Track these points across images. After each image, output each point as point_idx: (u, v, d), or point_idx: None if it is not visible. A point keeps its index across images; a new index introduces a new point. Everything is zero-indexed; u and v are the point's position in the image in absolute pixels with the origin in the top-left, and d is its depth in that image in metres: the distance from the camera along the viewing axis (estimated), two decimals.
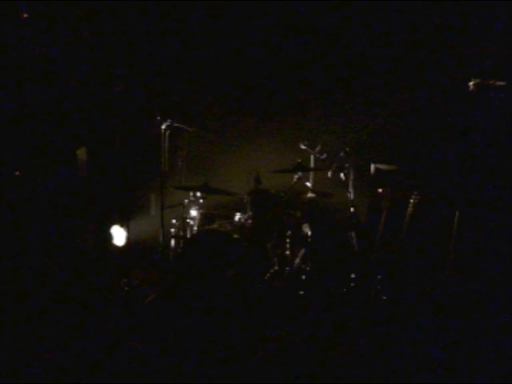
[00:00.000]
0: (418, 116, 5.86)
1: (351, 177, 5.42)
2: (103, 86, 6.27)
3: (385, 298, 5.09)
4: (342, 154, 5.36)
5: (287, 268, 5.37)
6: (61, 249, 5.78)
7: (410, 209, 5.33)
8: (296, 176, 5.58)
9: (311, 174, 5.80)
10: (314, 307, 5.03)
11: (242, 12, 6.30)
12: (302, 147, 5.69)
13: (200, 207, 5.58)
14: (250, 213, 5.47)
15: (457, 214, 5.05)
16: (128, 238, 5.78)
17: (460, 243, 5.07)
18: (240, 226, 5.45)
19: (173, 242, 5.55)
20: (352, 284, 5.21)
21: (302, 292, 5.19)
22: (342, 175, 5.36)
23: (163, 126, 5.32)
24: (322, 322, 4.77)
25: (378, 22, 6.02)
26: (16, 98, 5.79)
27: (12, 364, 3.94)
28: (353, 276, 5.24)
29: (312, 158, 5.77)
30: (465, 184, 5.30)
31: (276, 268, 5.34)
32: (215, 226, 5.49)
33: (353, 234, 5.43)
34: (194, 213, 5.55)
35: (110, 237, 5.96)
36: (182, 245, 5.45)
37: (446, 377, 3.96)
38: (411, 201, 5.32)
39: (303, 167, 5.55)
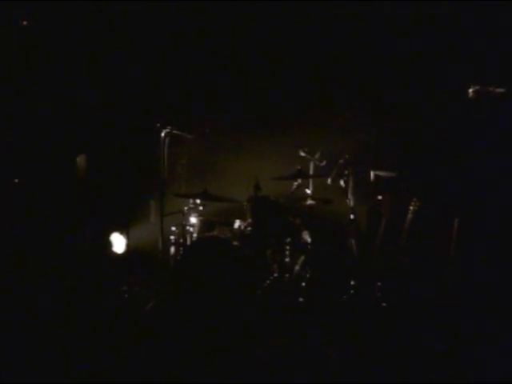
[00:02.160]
0: (417, 123, 5.86)
1: (351, 184, 5.42)
2: (102, 93, 6.28)
3: (384, 304, 5.09)
4: (341, 161, 5.36)
5: (287, 275, 5.36)
6: (60, 256, 5.77)
7: (409, 215, 5.34)
8: (296, 183, 5.60)
9: (311, 181, 5.80)
10: (314, 314, 5.03)
11: (244, 19, 6.32)
12: (302, 154, 5.70)
13: (200, 214, 5.58)
14: (249, 220, 5.46)
15: (456, 220, 5.05)
16: (128, 245, 5.77)
17: (460, 250, 5.07)
18: (240, 232, 5.45)
19: (172, 249, 5.54)
20: (352, 291, 5.21)
21: (301, 299, 5.18)
22: (341, 182, 5.36)
23: (163, 133, 5.31)
24: (321, 329, 4.77)
25: (378, 30, 6.04)
26: (16, 105, 5.80)
27: (12, 371, 3.93)
28: (353, 283, 5.23)
29: (312, 164, 5.78)
30: (464, 190, 5.29)
31: (276, 275, 5.33)
32: (215, 232, 5.50)
33: (352, 241, 5.42)
34: (193, 220, 5.54)
35: (109, 244, 5.95)
36: (181, 252, 5.45)
37: (447, 382, 3.96)
38: (411, 207, 5.33)
39: (303, 174, 5.56)
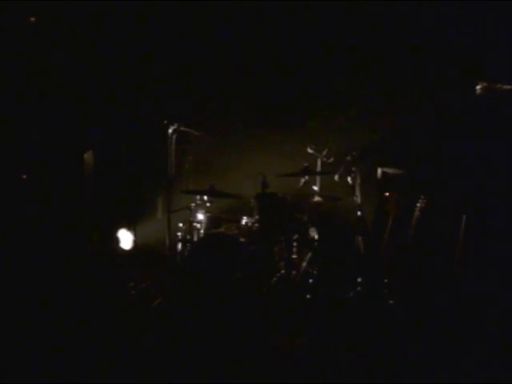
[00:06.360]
0: (424, 120, 5.85)
1: (358, 181, 5.42)
2: (109, 89, 6.29)
3: (391, 302, 5.08)
4: (348, 158, 5.36)
5: (294, 272, 5.36)
6: (67, 252, 5.79)
7: (416, 213, 5.33)
8: (303, 180, 5.59)
9: (318, 178, 5.81)
10: (321, 311, 5.03)
11: (246, 17, 6.32)
12: (309, 151, 5.70)
13: (207, 211, 5.59)
14: (256, 216, 5.46)
15: (463, 218, 5.04)
16: (135, 242, 5.79)
17: (467, 247, 5.06)
18: (247, 229, 5.45)
19: (179, 245, 5.55)
20: (359, 288, 5.21)
21: (308, 296, 5.19)
22: (348, 179, 5.36)
23: (170, 130, 5.32)
24: (328, 326, 4.77)
25: (383, 26, 6.03)
26: (23, 101, 5.81)
27: (16, 369, 3.94)
28: (359, 280, 5.23)
29: (319, 161, 5.78)
30: (472, 188, 5.28)
31: (283, 272, 5.34)
32: (222, 229, 5.50)
33: (359, 238, 5.42)
34: (200, 216, 5.56)
35: (117, 240, 5.97)
36: (188, 248, 5.46)
37: (452, 380, 3.95)
38: (418, 205, 5.32)
39: (310, 171, 5.56)
